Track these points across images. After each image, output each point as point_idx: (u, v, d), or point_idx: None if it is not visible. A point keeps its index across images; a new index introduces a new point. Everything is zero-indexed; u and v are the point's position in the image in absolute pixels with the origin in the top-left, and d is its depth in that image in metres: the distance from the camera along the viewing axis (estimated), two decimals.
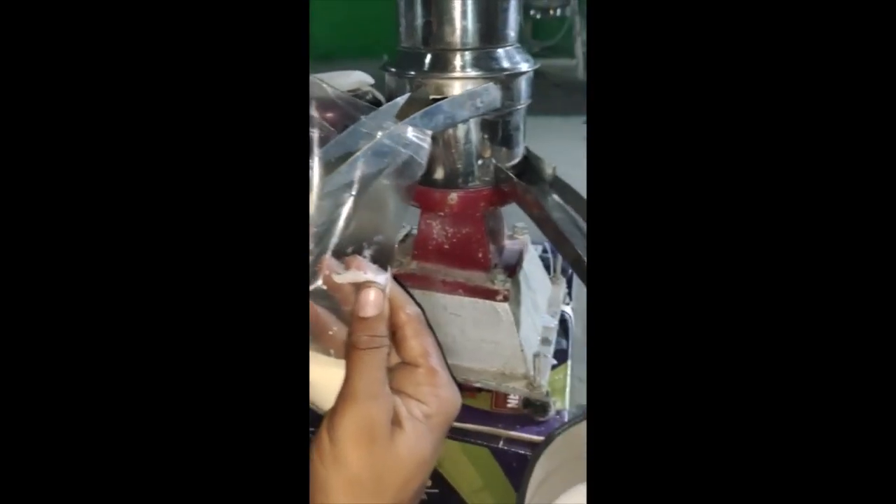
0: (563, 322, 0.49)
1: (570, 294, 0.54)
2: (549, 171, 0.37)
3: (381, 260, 0.25)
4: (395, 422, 0.23)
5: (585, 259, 0.28)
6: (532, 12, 2.87)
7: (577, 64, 2.73)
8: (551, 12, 2.82)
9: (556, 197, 0.36)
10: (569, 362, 0.45)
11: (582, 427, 0.37)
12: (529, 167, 0.39)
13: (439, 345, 0.26)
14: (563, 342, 0.47)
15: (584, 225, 0.32)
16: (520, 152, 0.39)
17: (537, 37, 3.02)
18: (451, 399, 0.24)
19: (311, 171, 0.24)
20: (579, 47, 2.69)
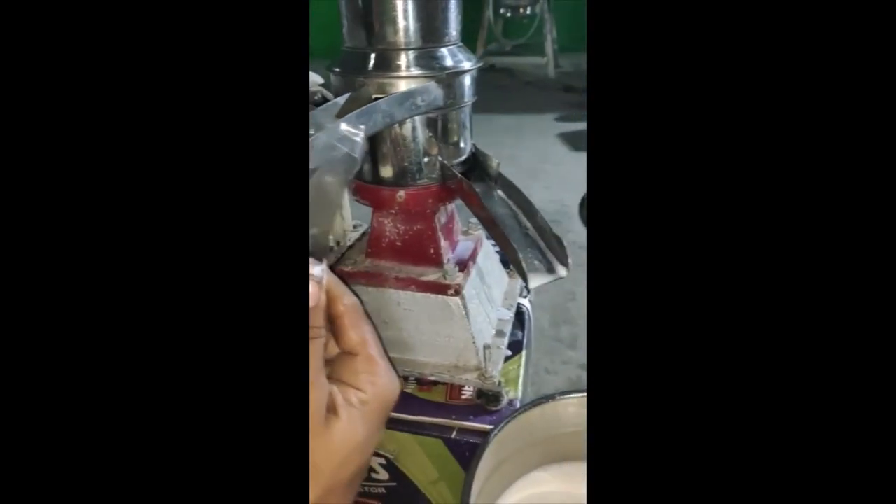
0: (520, 314, 0.51)
1: (527, 288, 0.55)
2: (494, 167, 0.37)
3: (316, 253, 0.25)
4: (331, 409, 0.23)
5: (522, 257, 0.29)
6: (502, 11, 2.90)
7: (547, 62, 2.76)
8: (521, 10, 2.84)
9: (500, 193, 0.37)
10: (524, 353, 0.46)
11: (532, 414, 0.38)
12: (477, 164, 0.40)
13: (378, 335, 0.27)
14: (519, 333, 0.48)
15: (525, 220, 0.33)
16: (467, 149, 0.40)
17: (508, 35, 3.05)
18: (389, 386, 0.25)
19: None
20: (549, 45, 2.73)
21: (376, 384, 0.25)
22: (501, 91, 2.80)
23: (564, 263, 0.29)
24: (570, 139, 2.02)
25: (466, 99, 0.37)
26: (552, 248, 0.30)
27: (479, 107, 0.40)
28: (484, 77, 3.00)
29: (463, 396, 0.42)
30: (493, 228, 0.32)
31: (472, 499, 0.33)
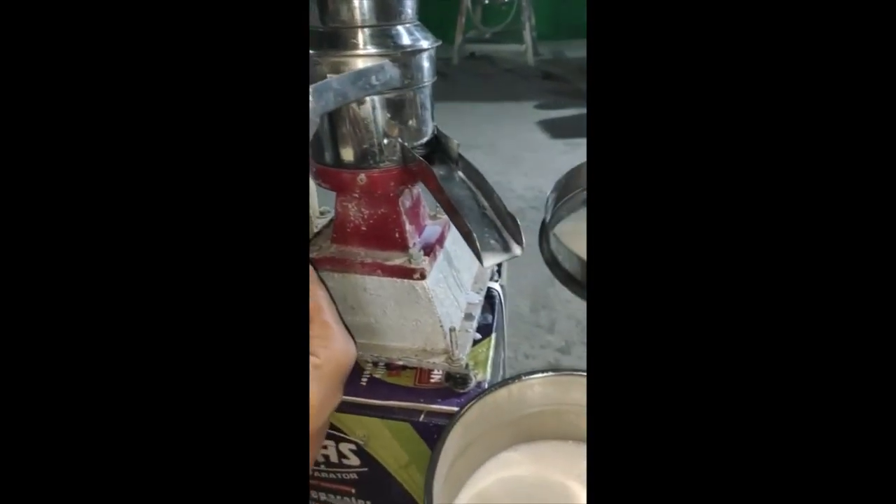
0: (491, 298, 0.51)
1: (499, 272, 0.55)
2: (454, 148, 0.37)
3: None
4: None
5: (476, 237, 0.29)
6: None
7: (526, 49, 2.75)
8: None
9: (461, 175, 0.37)
10: (493, 336, 0.46)
11: (498, 395, 0.38)
12: (440, 146, 0.40)
13: (334, 302, 0.27)
14: (489, 317, 0.48)
15: (484, 201, 0.33)
16: (428, 131, 0.39)
17: (486, 23, 3.03)
18: (343, 350, 0.26)
19: None
20: (528, 33, 2.72)
21: (330, 348, 0.26)
22: (481, 79, 2.78)
23: (519, 242, 0.29)
24: (548, 126, 2.02)
25: (426, 79, 0.37)
26: (508, 228, 0.30)
27: (459, 95, 0.40)
28: (464, 65, 2.99)
29: (432, 380, 0.42)
30: (451, 211, 0.32)
31: (438, 480, 0.33)
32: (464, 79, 2.75)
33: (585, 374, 0.38)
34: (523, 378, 0.38)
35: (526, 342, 0.95)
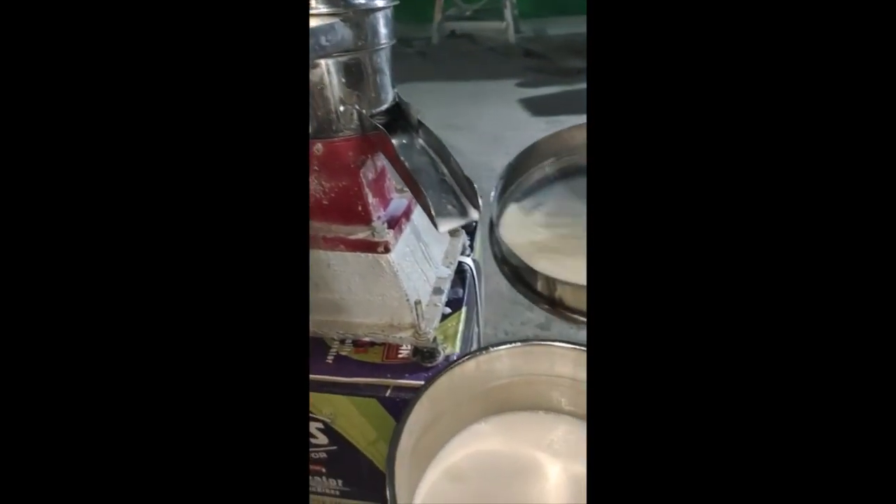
0: (462, 272, 0.50)
1: (471, 246, 0.54)
2: (414, 115, 0.36)
3: None
4: None
5: (431, 204, 0.28)
6: None
7: (507, 27, 2.71)
8: None
9: (421, 142, 0.35)
10: (463, 310, 0.46)
11: (467, 367, 0.38)
12: (401, 114, 0.38)
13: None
14: (460, 291, 0.48)
15: (444, 168, 0.32)
16: (388, 98, 0.38)
17: (467, 0, 2.97)
18: None
19: None
20: (508, 10, 2.67)
21: None
22: (462, 57, 2.73)
23: (476, 206, 0.28)
24: (530, 105, 2.00)
25: (382, 41, 0.35)
26: (465, 192, 0.29)
27: (439, 74, 0.38)
28: (444, 43, 2.93)
29: (400, 355, 0.41)
30: (408, 179, 0.30)
31: (403, 453, 0.33)
32: (444, 57, 2.70)
33: (551, 343, 0.37)
34: (490, 350, 0.38)
35: (506, 320, 0.95)
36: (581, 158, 0.35)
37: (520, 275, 0.28)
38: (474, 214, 0.28)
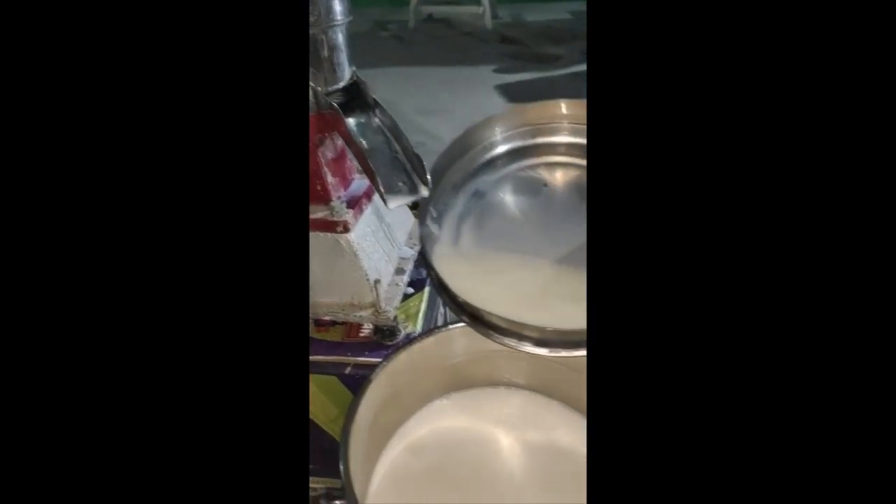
0: None
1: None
2: (370, 94, 0.36)
3: None
4: None
5: (381, 182, 0.28)
6: None
7: (483, 12, 2.69)
8: None
9: (377, 121, 0.35)
10: (426, 289, 0.46)
11: (425, 344, 0.38)
12: (359, 93, 0.38)
13: None
14: (423, 272, 0.48)
15: (397, 146, 0.32)
16: (344, 76, 0.37)
17: None
18: None
19: None
20: None
21: None
22: (439, 42, 2.71)
23: (425, 183, 0.29)
24: (506, 91, 2.00)
25: (338, 18, 0.35)
26: (416, 169, 0.29)
27: (415, 59, 0.38)
28: (421, 28, 2.89)
29: (361, 334, 0.41)
30: (360, 156, 0.31)
31: (360, 427, 0.33)
32: (420, 42, 2.67)
33: None
34: (450, 327, 0.38)
35: None
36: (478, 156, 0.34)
37: (464, 309, 0.28)
38: (424, 191, 0.29)
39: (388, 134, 0.33)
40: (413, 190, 0.29)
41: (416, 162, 0.29)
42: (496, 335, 0.29)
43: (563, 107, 0.33)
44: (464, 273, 0.29)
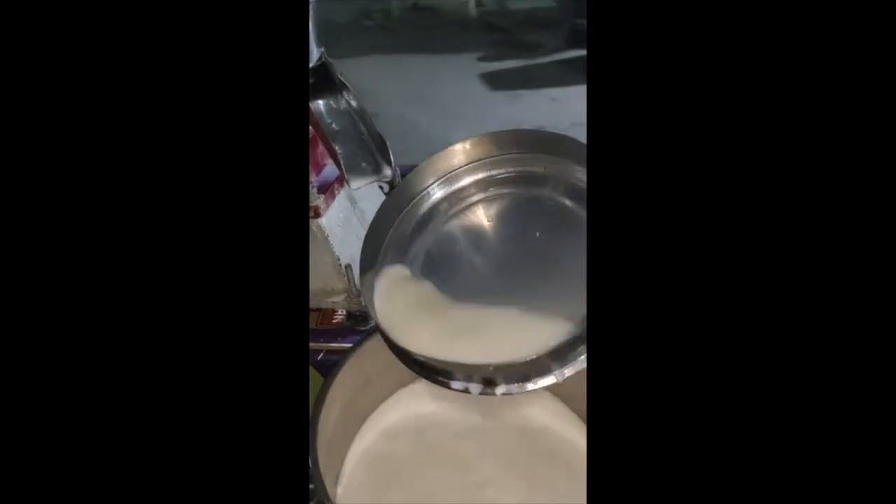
0: None
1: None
2: (338, 76, 0.35)
3: None
4: None
5: (343, 164, 0.28)
6: None
7: (468, 0, 2.67)
8: None
9: (344, 103, 0.35)
10: None
11: None
12: (326, 74, 0.38)
13: None
14: None
15: (363, 128, 0.31)
16: (313, 57, 0.37)
17: None
18: None
19: None
20: None
21: None
22: (423, 31, 2.68)
23: (388, 163, 0.29)
24: (489, 79, 1.99)
25: None
26: (380, 150, 0.29)
27: (400, 47, 0.37)
28: (405, 16, 2.86)
29: (335, 321, 0.41)
30: (324, 139, 0.30)
31: (330, 411, 0.33)
32: (405, 30, 2.64)
33: None
34: None
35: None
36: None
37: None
38: (387, 171, 0.29)
39: (355, 116, 0.32)
40: (377, 170, 0.28)
41: (380, 143, 0.29)
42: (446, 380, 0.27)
43: (468, 145, 0.32)
44: (402, 322, 0.28)
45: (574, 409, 0.39)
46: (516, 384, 0.26)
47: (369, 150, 0.29)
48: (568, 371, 0.25)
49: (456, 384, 0.27)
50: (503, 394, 0.27)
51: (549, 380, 0.26)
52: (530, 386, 0.26)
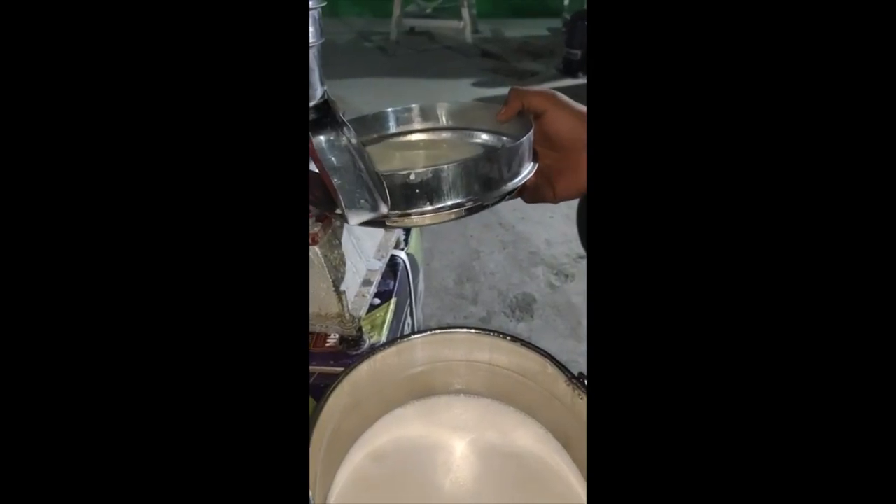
0: (395, 265, 0.52)
1: (406, 240, 0.56)
2: (340, 113, 0.37)
3: None
4: None
5: (343, 201, 0.30)
6: None
7: (464, 26, 2.74)
8: None
9: (344, 140, 0.37)
10: (393, 300, 0.48)
11: (388, 354, 0.40)
12: (329, 112, 0.40)
13: None
14: (391, 283, 0.50)
15: (362, 165, 0.33)
16: (315, 95, 0.39)
17: None
18: None
19: None
20: (466, 9, 2.70)
21: None
22: (420, 55, 2.75)
23: (385, 200, 0.30)
24: None
25: (311, 40, 0.36)
26: (377, 187, 0.31)
27: (397, 71, 0.39)
28: (403, 41, 2.93)
29: (328, 344, 0.43)
30: (325, 174, 0.32)
31: (322, 433, 0.34)
32: (403, 54, 2.71)
33: (468, 330, 0.40)
34: (411, 338, 0.40)
35: (450, 313, 0.98)
36: None
37: None
38: (383, 209, 0.30)
39: (354, 153, 0.35)
40: (375, 207, 0.30)
41: (377, 181, 0.31)
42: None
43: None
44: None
45: (558, 437, 0.41)
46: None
47: (367, 187, 0.31)
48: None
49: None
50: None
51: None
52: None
